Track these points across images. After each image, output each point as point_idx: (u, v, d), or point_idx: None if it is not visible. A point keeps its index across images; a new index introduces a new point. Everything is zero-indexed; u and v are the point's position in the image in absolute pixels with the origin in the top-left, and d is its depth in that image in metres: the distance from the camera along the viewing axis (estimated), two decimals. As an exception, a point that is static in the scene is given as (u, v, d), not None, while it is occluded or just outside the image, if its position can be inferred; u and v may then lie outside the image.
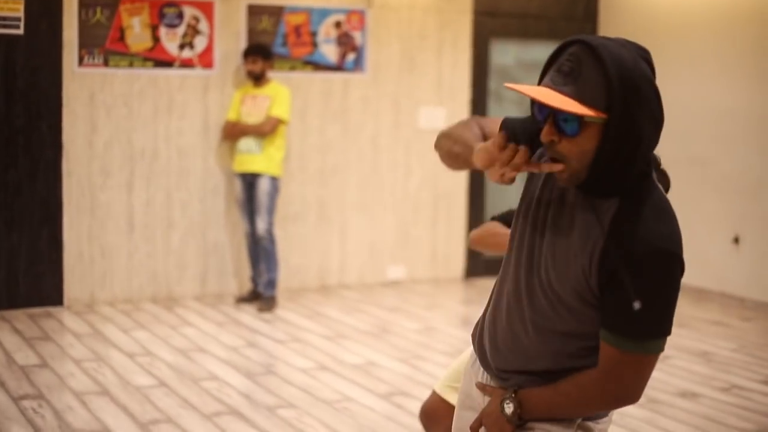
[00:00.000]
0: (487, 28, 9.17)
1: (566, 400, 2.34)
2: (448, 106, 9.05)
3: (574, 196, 2.28)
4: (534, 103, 2.21)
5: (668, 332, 2.23)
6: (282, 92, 7.84)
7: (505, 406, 2.41)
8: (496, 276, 2.55)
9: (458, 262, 9.28)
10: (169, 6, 7.89)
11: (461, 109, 9.11)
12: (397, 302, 8.27)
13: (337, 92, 8.59)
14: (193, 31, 7.98)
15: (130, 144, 7.85)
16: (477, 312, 8.05)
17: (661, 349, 2.24)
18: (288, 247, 8.44)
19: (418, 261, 9.09)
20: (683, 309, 7.78)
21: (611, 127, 2.12)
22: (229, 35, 8.13)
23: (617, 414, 3.04)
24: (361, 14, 8.62)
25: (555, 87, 2.17)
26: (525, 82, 9.27)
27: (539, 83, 2.25)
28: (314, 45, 8.45)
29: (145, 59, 7.84)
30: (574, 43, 2.18)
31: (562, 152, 2.17)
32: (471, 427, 2.51)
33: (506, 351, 2.44)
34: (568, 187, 2.29)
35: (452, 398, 3.40)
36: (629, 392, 2.28)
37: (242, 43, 8.14)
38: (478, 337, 2.59)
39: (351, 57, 8.61)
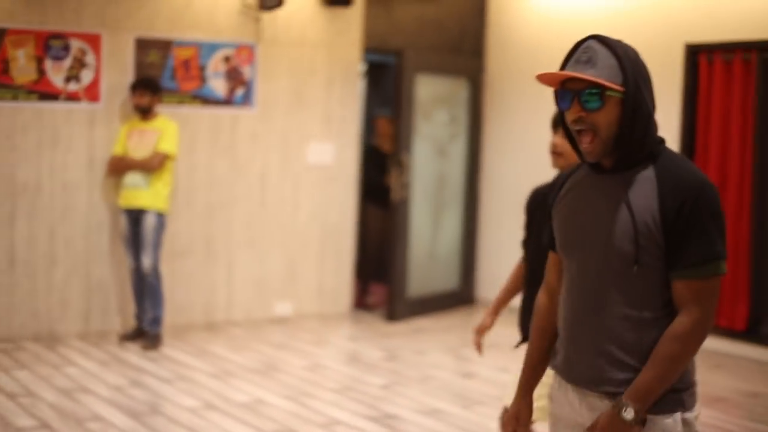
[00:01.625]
0: (408, 62, 9.00)
1: (670, 357, 2.52)
2: (336, 142, 9.10)
3: (603, 181, 2.65)
4: (557, 94, 2.66)
5: (726, 254, 2.58)
6: (170, 127, 7.78)
7: (624, 413, 2.52)
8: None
9: (345, 296, 9.30)
10: (56, 38, 7.77)
11: (350, 144, 9.16)
12: (284, 339, 8.25)
13: (226, 127, 8.56)
14: (80, 63, 7.87)
15: (13, 178, 7.67)
16: (365, 348, 8.08)
17: (726, 270, 2.57)
18: (174, 284, 8.35)
19: (305, 296, 9.08)
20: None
21: (628, 98, 2.57)
22: (117, 68, 8.03)
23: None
24: (250, 49, 8.62)
25: (579, 72, 2.60)
26: (435, 113, 9.36)
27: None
28: (203, 79, 8.42)
29: (30, 92, 7.70)
30: (587, 40, 2.64)
31: (591, 122, 2.59)
32: None
33: (616, 350, 2.59)
34: (590, 175, 2.69)
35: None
36: (712, 318, 2.56)
37: (130, 77, 8.05)
38: (565, 367, 2.73)
39: (240, 92, 8.60)
